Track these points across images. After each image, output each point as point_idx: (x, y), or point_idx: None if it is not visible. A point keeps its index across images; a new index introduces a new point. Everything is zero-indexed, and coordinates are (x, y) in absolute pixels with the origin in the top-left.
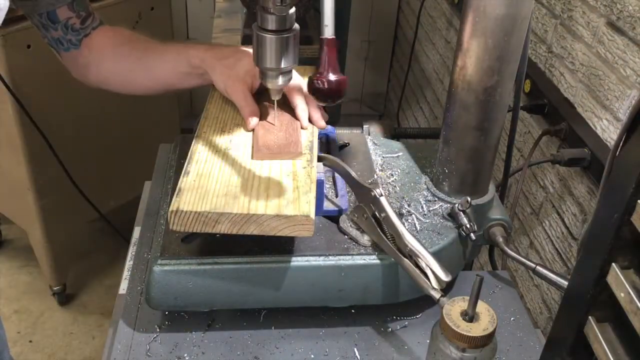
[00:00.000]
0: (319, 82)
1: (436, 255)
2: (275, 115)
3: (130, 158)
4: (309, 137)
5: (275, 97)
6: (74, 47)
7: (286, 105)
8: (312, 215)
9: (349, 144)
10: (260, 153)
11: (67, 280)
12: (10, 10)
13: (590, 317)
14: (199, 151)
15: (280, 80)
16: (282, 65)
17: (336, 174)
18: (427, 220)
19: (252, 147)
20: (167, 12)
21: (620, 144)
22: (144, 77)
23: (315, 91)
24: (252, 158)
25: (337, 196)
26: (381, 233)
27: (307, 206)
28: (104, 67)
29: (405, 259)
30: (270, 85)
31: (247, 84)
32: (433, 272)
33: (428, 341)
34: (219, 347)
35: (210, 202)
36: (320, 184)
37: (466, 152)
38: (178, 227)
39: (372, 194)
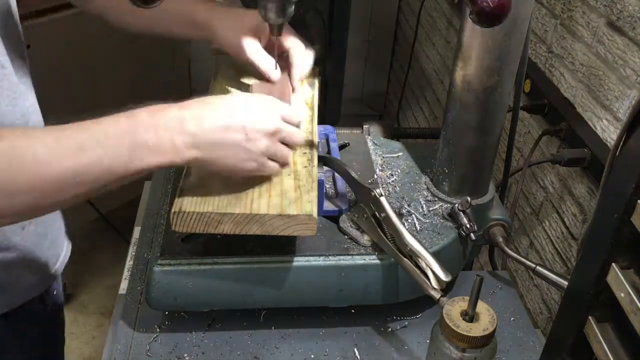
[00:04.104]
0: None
1: (436, 255)
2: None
3: None
4: (309, 137)
5: (276, 35)
6: None
7: (277, 82)
8: (315, 214)
9: (349, 144)
10: None
11: (67, 280)
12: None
13: (590, 317)
14: None
15: (281, 14)
16: None
17: (336, 174)
18: (427, 220)
19: None
20: None
21: (620, 144)
22: (143, 18)
23: (479, 12)
24: None
25: (337, 196)
26: (381, 233)
27: (310, 205)
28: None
29: (405, 259)
30: (271, 19)
31: (258, 39)
32: (433, 272)
33: (428, 341)
34: (219, 347)
35: (213, 203)
36: (320, 184)
37: (466, 152)
38: (180, 228)
39: (372, 194)
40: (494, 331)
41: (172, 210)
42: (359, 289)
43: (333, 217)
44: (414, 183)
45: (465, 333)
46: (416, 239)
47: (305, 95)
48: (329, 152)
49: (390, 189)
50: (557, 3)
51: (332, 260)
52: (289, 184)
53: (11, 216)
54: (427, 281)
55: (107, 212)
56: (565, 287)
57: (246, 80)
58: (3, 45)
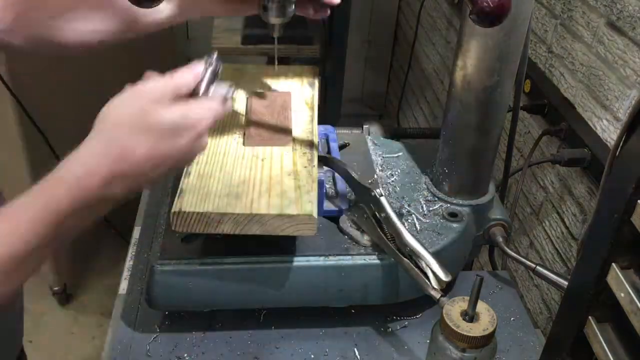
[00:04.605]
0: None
1: (436, 255)
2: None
3: None
4: (309, 137)
5: (276, 34)
6: None
7: (278, 96)
8: (315, 214)
9: (349, 144)
10: (252, 140)
11: (67, 280)
12: None
13: (590, 317)
14: None
15: (281, 14)
16: None
17: (336, 174)
18: (427, 220)
19: (244, 134)
20: None
21: (620, 144)
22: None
23: (479, 12)
24: (243, 145)
25: (337, 196)
26: (381, 233)
27: (310, 205)
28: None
29: (405, 259)
30: (271, 19)
31: None
32: (433, 272)
33: (428, 341)
34: (219, 347)
35: (213, 203)
36: (320, 184)
37: (466, 152)
38: (180, 228)
39: (372, 194)
40: (494, 331)
41: (172, 210)
42: (359, 289)
43: (333, 217)
44: (414, 183)
45: (465, 333)
46: (416, 239)
47: (305, 95)
48: (329, 152)
49: (390, 189)
50: (557, 3)
51: (332, 260)
52: (289, 184)
53: None
54: (427, 281)
55: (107, 212)
56: (565, 287)
57: (244, 87)
58: None
